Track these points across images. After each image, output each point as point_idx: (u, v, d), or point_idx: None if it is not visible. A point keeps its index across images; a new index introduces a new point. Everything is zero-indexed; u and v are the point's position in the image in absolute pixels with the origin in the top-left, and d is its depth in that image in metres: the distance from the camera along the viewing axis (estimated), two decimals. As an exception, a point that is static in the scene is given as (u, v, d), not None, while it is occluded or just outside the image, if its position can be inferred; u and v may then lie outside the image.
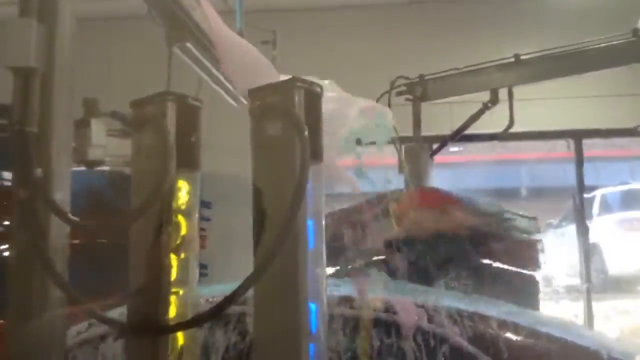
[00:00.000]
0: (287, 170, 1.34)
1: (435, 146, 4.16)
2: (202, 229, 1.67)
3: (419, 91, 3.99)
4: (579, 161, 5.34)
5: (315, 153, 1.37)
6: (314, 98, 1.37)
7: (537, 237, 3.36)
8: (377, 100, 4.05)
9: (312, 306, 1.35)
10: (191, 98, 1.46)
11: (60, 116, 1.39)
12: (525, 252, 3.32)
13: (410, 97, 4.05)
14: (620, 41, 3.34)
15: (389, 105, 4.01)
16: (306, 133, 1.31)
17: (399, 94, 4.06)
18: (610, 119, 5.62)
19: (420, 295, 2.26)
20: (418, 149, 3.95)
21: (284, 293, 1.33)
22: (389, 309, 1.96)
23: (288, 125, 1.34)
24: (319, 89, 1.37)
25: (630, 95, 4.73)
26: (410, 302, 2.01)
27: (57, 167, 1.37)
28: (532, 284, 3.29)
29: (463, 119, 4.06)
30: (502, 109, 4.01)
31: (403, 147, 3.96)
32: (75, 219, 1.34)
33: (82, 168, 1.69)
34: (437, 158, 5.01)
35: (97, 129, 1.67)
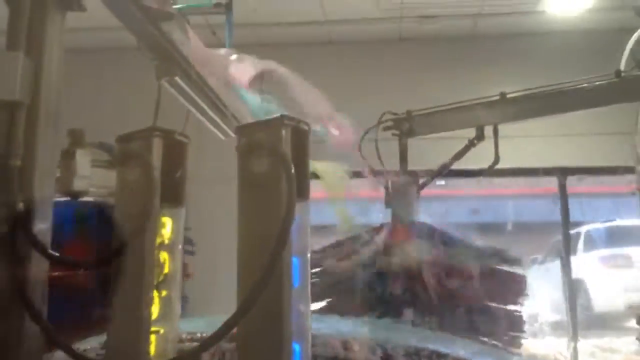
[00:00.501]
0: (273, 208, 1.34)
1: (422, 180, 4.17)
2: (185, 263, 1.66)
3: (406, 127, 4.01)
4: (564, 197, 5.38)
5: (302, 190, 1.37)
6: (301, 135, 1.37)
7: (521, 272, 3.37)
8: (364, 135, 4.08)
9: (296, 346, 1.33)
10: (178, 134, 1.46)
11: (44, 149, 1.38)
12: (511, 288, 3.33)
13: (396, 132, 4.07)
14: (603, 82, 3.40)
15: (376, 140, 4.04)
16: (293, 170, 1.31)
17: (386, 128, 4.08)
18: (595, 157, 5.70)
19: (393, 333, 2.29)
20: (405, 184, 3.95)
21: (267, 332, 1.32)
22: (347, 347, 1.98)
23: (275, 162, 1.34)
24: (306, 127, 1.38)
25: (614, 133, 4.80)
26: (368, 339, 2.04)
27: (40, 200, 1.35)
28: (517, 320, 3.28)
29: (450, 154, 4.08)
30: (487, 145, 4.05)
31: (389, 181, 3.97)
32: (56, 254, 1.32)
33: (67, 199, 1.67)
34: (424, 192, 5.04)
35: (82, 160, 1.65)
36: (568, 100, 3.40)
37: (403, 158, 4.04)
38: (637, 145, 3.85)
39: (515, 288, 3.29)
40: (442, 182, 6.99)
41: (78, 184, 1.63)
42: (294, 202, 1.30)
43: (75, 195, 1.65)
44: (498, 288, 3.25)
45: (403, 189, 3.91)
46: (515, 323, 3.24)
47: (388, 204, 3.91)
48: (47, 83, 1.38)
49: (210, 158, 4.00)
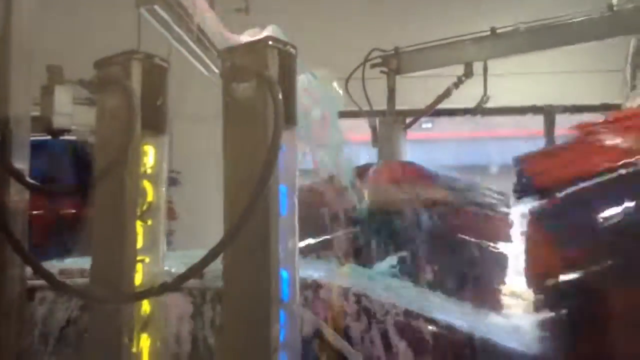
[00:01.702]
0: (260, 134, 1.31)
1: (409, 120, 4.15)
2: (169, 201, 1.63)
3: (394, 64, 3.96)
4: (550, 137, 5.39)
5: (290, 117, 1.33)
6: (288, 59, 1.33)
7: (506, 211, 3.38)
8: (352, 73, 4.02)
9: (284, 273, 1.33)
10: (158, 58, 1.41)
11: (19, 77, 1.33)
12: (497, 227, 3.35)
13: (385, 69, 4.01)
14: (595, 15, 3.36)
15: (363, 78, 3.98)
16: (280, 95, 1.27)
17: (374, 66, 4.02)
18: (582, 95, 5.68)
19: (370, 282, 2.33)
20: (392, 123, 3.93)
21: (255, 260, 1.31)
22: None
23: (261, 87, 1.30)
24: (293, 50, 1.33)
25: (604, 71, 4.77)
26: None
27: (17, 131, 1.32)
28: (501, 258, 3.32)
29: (438, 93, 4.05)
30: (475, 86, 4.01)
31: (377, 120, 3.95)
32: (34, 182, 1.29)
33: (47, 137, 1.64)
34: (410, 134, 5.01)
35: (62, 97, 1.61)
36: (559, 35, 3.35)
37: (391, 97, 4.00)
38: (625, 82, 3.84)
39: (500, 228, 3.30)
40: (429, 125, 6.96)
41: (58, 122, 1.59)
42: (281, 128, 1.26)
43: (55, 133, 1.61)
44: (484, 227, 3.26)
45: (390, 128, 3.89)
46: (500, 261, 3.27)
47: (375, 143, 3.90)
48: (19, 15, 1.32)
49: (194, 95, 3.93)
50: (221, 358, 1.31)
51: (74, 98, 1.67)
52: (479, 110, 4.08)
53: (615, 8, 3.39)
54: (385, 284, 2.41)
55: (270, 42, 1.30)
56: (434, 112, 4.30)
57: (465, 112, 4.38)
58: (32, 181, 1.27)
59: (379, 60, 4.01)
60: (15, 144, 1.31)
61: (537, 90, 5.76)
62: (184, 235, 2.81)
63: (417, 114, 4.13)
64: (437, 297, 2.55)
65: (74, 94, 1.67)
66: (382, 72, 4.04)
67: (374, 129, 3.99)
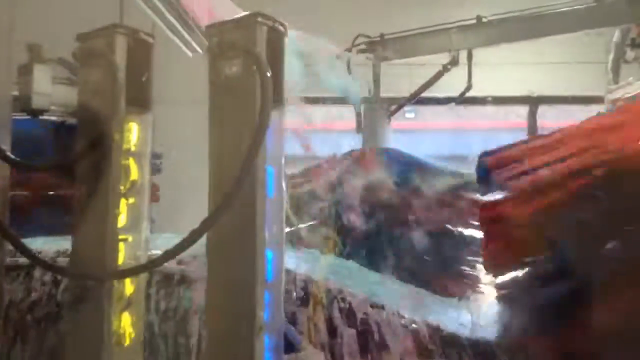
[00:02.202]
0: (247, 113, 1.29)
1: (393, 107, 4.16)
2: (153, 184, 1.62)
3: (380, 50, 3.97)
4: (532, 128, 5.44)
5: (277, 95, 1.31)
6: (277, 36, 1.31)
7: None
8: (337, 58, 4.01)
9: (269, 254, 1.32)
10: (143, 33, 1.38)
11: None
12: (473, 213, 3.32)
13: (370, 56, 4.02)
14: (581, 6, 3.38)
15: (348, 64, 3.97)
16: (268, 74, 1.25)
17: (360, 51, 4.02)
18: (566, 87, 5.73)
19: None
20: (376, 109, 3.94)
21: (240, 240, 1.30)
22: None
23: (248, 64, 1.28)
24: (282, 28, 1.31)
25: (588, 63, 4.81)
26: None
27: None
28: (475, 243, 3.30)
29: (423, 81, 4.06)
30: (461, 76, 4.02)
31: (362, 107, 3.95)
32: (16, 158, 1.26)
33: (26, 117, 1.61)
34: (394, 124, 5.00)
35: (41, 76, 1.58)
36: (545, 25, 3.37)
37: (376, 83, 4.01)
38: (608, 74, 3.89)
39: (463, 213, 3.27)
40: (412, 115, 6.98)
41: (37, 101, 1.56)
42: (269, 107, 1.25)
43: (34, 113, 1.58)
44: (461, 213, 3.25)
45: (375, 114, 3.90)
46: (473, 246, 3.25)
47: (359, 129, 3.90)
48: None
49: (175, 78, 3.88)
50: (207, 337, 1.30)
51: (54, 77, 1.64)
52: (463, 99, 4.09)
53: (599, -1, 3.42)
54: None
55: (259, 19, 1.28)
56: (419, 100, 4.32)
57: (449, 100, 4.39)
58: (13, 157, 1.24)
59: (364, 47, 4.01)
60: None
61: (522, 81, 5.79)
62: (165, 219, 2.78)
63: (401, 101, 4.14)
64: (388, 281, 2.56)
65: (53, 73, 1.64)
66: (367, 58, 4.04)
67: (358, 115, 4.00)
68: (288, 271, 2.01)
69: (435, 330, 2.04)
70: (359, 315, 2.02)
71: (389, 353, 1.98)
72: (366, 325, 2.02)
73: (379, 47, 3.99)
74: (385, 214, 3.08)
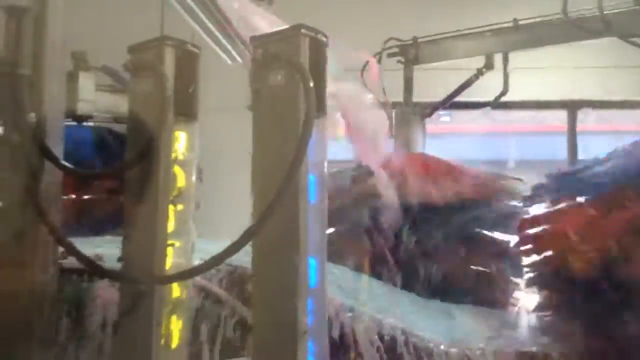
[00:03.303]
0: (290, 122, 1.36)
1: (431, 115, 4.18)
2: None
3: (412, 53, 3.98)
4: (572, 132, 5.42)
5: (320, 105, 1.38)
6: (319, 47, 1.38)
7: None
8: (367, 62, 4.04)
9: (312, 261, 1.39)
10: (190, 44, 1.46)
11: (54, 59, 1.39)
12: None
13: (402, 59, 4.04)
14: (623, 9, 3.37)
15: (379, 67, 4.00)
16: (311, 84, 1.32)
17: (391, 55, 4.04)
18: (605, 92, 5.70)
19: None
20: (409, 113, 3.96)
21: (284, 247, 1.37)
22: None
23: (292, 75, 1.35)
24: (324, 39, 1.38)
25: (628, 67, 4.79)
26: None
27: (51, 113, 1.38)
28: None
29: (456, 86, 4.07)
30: (497, 79, 4.03)
31: (394, 111, 3.98)
32: (68, 165, 1.35)
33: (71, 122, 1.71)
34: (429, 127, 4.99)
35: (86, 83, 1.68)
36: (586, 28, 3.36)
37: (408, 87, 4.03)
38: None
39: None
40: (447, 118, 7.00)
41: (82, 108, 1.66)
42: (312, 117, 1.32)
43: (79, 119, 1.68)
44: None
45: (407, 118, 3.92)
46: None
47: (391, 134, 3.93)
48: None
49: (216, 86, 3.97)
50: (252, 341, 1.37)
51: (98, 85, 1.74)
52: (499, 103, 4.10)
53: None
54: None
55: (302, 30, 1.35)
56: (453, 104, 4.33)
57: (483, 105, 4.40)
58: (66, 164, 1.33)
59: (396, 50, 4.04)
60: (49, 127, 1.37)
61: (559, 85, 5.78)
62: (206, 227, 2.86)
63: (434, 104, 4.16)
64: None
65: (97, 80, 1.74)
66: (399, 61, 4.06)
67: (390, 119, 4.02)
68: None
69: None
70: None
71: None
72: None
73: (411, 50, 4.00)
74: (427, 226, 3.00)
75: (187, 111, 1.47)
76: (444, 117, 6.90)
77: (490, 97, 4.30)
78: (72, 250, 1.30)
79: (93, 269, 1.36)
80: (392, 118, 4.03)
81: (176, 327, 1.41)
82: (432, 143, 5.83)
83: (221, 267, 1.89)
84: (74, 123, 1.76)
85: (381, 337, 1.92)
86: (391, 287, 2.70)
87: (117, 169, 1.43)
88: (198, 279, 1.82)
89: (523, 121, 7.32)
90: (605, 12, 3.38)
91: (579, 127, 5.91)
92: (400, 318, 2.06)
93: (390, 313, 2.09)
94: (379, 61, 4.02)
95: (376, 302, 2.21)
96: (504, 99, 4.13)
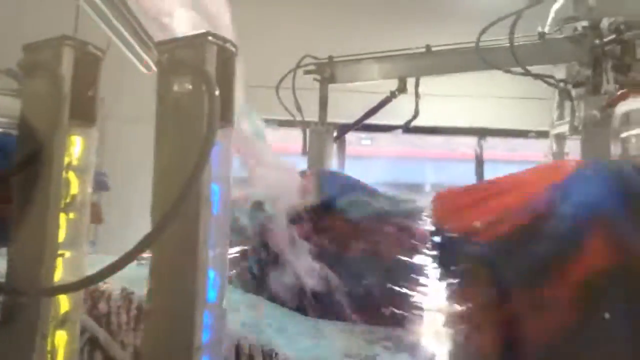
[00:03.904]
0: (194, 131, 1.35)
1: (342, 135, 4.26)
2: (94, 204, 1.64)
3: (327, 72, 4.07)
4: (480, 160, 5.68)
5: (226, 115, 1.39)
6: (228, 56, 1.39)
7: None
8: (282, 78, 4.07)
9: (212, 273, 1.38)
10: (92, 46, 1.43)
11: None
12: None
13: (318, 77, 4.11)
14: (527, 42, 3.59)
15: (293, 85, 4.03)
16: (217, 92, 1.32)
17: (307, 72, 4.11)
18: (512, 121, 6.04)
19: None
20: (322, 131, 4.02)
21: (182, 258, 1.35)
22: None
23: (197, 82, 1.35)
24: (233, 48, 1.39)
25: (534, 98, 5.10)
26: None
27: None
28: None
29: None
30: (412, 105, 4.16)
31: (307, 129, 4.03)
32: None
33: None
34: (349, 149, 5.05)
35: (-13, 87, 1.60)
36: (493, 58, 3.55)
37: (323, 105, 4.10)
38: (553, 110, 4.14)
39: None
40: (368, 142, 7.19)
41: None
42: (215, 125, 1.32)
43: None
44: (403, 241, 3.26)
45: (321, 137, 3.98)
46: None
47: (304, 152, 3.98)
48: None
49: (128, 96, 3.88)
50: (143, 355, 1.33)
51: (0, 89, 1.67)
52: (410, 127, 4.23)
53: (546, 37, 3.65)
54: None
55: (209, 38, 1.36)
56: (367, 126, 4.43)
57: (395, 128, 4.53)
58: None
59: (312, 68, 4.11)
60: None
61: (470, 113, 6.06)
62: (110, 240, 2.77)
63: (348, 126, 4.25)
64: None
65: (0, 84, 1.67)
66: (315, 79, 4.14)
67: (305, 136, 4.07)
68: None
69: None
70: None
71: None
72: None
73: (327, 68, 4.08)
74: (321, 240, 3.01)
75: (84, 115, 1.43)
76: (365, 141, 7.11)
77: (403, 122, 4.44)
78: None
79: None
80: (307, 135, 4.08)
81: (62, 343, 1.35)
82: (353, 165, 5.97)
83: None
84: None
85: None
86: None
87: (4, 173, 1.36)
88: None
89: (438, 147, 7.65)
90: (516, 44, 3.59)
91: (490, 155, 6.24)
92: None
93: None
94: (294, 79, 4.08)
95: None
96: (416, 123, 4.27)
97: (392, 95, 4.00)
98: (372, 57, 4.04)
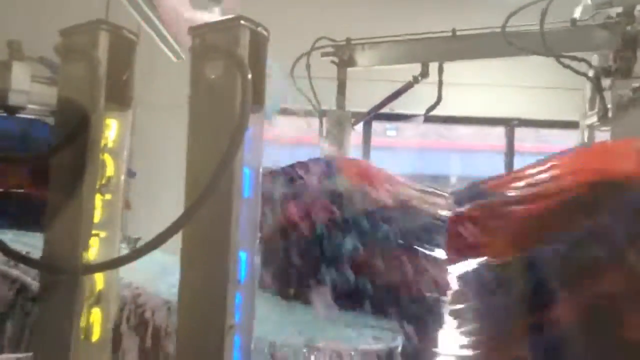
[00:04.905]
0: (226, 115, 1.41)
1: (362, 121, 4.24)
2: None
3: (347, 54, 4.02)
4: (510, 150, 5.68)
5: (258, 98, 1.44)
6: (259, 40, 1.44)
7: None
8: (297, 61, 4.00)
9: (243, 255, 1.44)
10: (127, 30, 1.50)
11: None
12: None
13: (335, 60, 4.07)
14: (559, 28, 3.60)
15: (308, 68, 3.94)
16: (249, 76, 1.38)
17: (324, 54, 4.07)
18: (543, 112, 6.01)
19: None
20: (341, 115, 3.99)
21: (213, 239, 1.41)
22: None
23: (230, 66, 1.40)
24: (265, 32, 1.45)
25: (565, 88, 5.09)
26: None
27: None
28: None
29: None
30: (436, 94, 4.12)
31: (325, 114, 4.00)
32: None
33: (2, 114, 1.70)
34: (374, 140, 4.96)
35: (20, 73, 1.69)
36: (522, 44, 3.56)
37: (341, 89, 4.08)
38: (584, 100, 4.13)
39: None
40: (393, 132, 7.21)
41: (14, 99, 1.66)
42: (248, 109, 1.38)
43: (11, 110, 1.67)
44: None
45: (338, 123, 3.96)
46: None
47: (321, 137, 3.93)
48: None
49: (157, 83, 3.95)
50: (177, 334, 1.40)
51: (33, 76, 1.74)
52: (436, 117, 4.23)
53: (578, 23, 3.65)
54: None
55: (242, 22, 1.41)
56: (388, 116, 4.44)
57: (416, 116, 4.51)
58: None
59: (330, 50, 4.06)
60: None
61: (498, 103, 6.05)
62: (137, 227, 2.84)
63: (368, 113, 4.24)
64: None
65: (33, 71, 1.74)
66: (332, 62, 4.09)
67: (321, 122, 4.05)
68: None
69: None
70: None
71: None
72: None
73: (345, 51, 4.03)
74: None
75: (119, 99, 1.50)
76: (390, 132, 7.14)
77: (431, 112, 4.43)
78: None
79: (13, 256, 1.37)
80: (323, 121, 4.04)
81: (97, 320, 1.42)
82: (377, 155, 6.02)
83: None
84: (4, 114, 1.76)
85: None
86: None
87: (44, 155, 1.44)
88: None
89: (467, 138, 7.64)
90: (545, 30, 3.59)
91: (519, 146, 6.23)
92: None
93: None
94: (308, 61, 4.00)
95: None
96: (441, 113, 4.28)
97: (415, 81, 3.99)
98: (394, 40, 4.01)
